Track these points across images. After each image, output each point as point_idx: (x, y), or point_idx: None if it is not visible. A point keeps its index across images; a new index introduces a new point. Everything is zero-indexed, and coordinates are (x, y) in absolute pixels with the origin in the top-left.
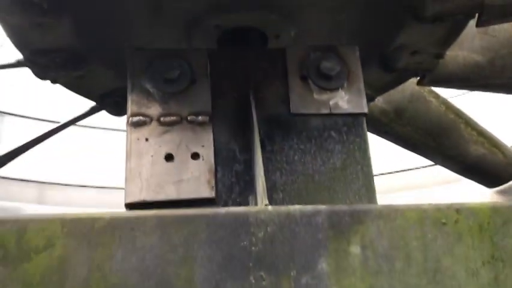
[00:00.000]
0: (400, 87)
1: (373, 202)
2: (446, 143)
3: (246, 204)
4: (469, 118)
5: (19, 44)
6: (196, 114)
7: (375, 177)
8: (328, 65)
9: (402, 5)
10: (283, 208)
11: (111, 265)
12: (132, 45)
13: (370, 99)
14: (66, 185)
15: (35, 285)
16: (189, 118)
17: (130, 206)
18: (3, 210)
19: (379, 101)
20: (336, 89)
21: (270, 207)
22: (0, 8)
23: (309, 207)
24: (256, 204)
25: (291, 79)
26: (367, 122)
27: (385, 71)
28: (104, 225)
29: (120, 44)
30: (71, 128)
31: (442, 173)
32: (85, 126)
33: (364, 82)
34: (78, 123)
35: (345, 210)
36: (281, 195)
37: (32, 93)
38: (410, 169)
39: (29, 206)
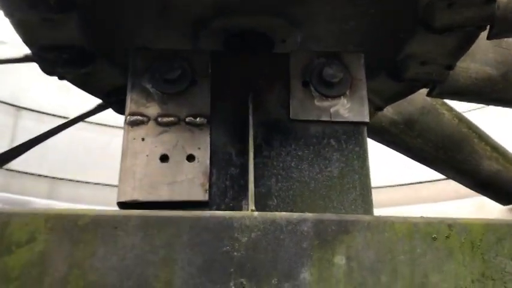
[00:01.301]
0: (412, 99)
1: (369, 213)
2: (458, 157)
3: (239, 208)
4: (483, 132)
5: (27, 40)
6: (195, 116)
7: (385, 189)
8: (331, 71)
9: (412, 15)
10: (269, 214)
11: (91, 263)
12: (136, 44)
13: (378, 108)
14: (78, 181)
15: (14, 279)
16: (187, 119)
17: (122, 205)
18: (13, 203)
19: (389, 111)
20: (338, 96)
21: (255, 213)
22: (8, 3)
23: (295, 215)
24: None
25: (293, 84)
26: (375, 132)
27: (394, 81)
28: (87, 222)
29: (127, 42)
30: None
31: (456, 187)
32: (101, 124)
33: (373, 91)
34: (96, 121)
35: (331, 219)
36: (275, 201)
37: (48, 88)
38: (421, 182)
39: (40, 200)
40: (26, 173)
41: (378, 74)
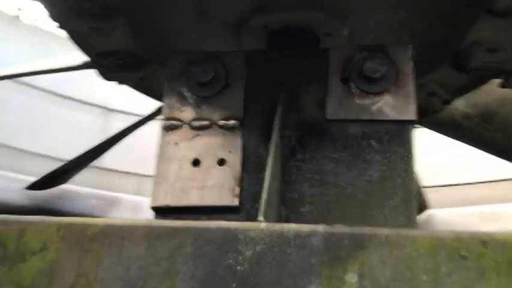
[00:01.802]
0: (488, 89)
1: (412, 221)
2: None
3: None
4: None
5: (83, 48)
6: (227, 118)
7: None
8: (372, 66)
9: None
10: (276, 226)
11: (96, 273)
12: (178, 45)
13: (445, 102)
14: None
15: (25, 287)
16: (219, 123)
17: (155, 209)
18: (104, 199)
19: (461, 104)
20: (381, 92)
21: (262, 224)
22: (59, 15)
23: (305, 227)
24: (279, 216)
25: (331, 81)
26: (447, 127)
27: (459, 72)
28: (96, 231)
29: (170, 44)
30: None
31: None
32: None
33: (437, 83)
34: None
35: (345, 232)
36: (308, 208)
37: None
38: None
39: (128, 196)
40: (115, 170)
41: (440, 64)
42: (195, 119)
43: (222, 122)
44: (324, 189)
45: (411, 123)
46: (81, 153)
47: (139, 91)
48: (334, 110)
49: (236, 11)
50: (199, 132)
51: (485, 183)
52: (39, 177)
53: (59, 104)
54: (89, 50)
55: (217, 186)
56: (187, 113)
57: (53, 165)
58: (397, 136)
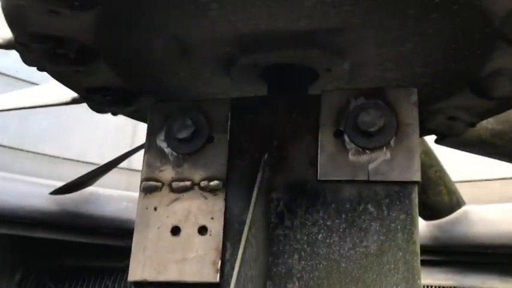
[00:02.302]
0: None
1: None
2: None
3: None
4: None
5: (70, 86)
6: (210, 179)
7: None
8: (368, 118)
9: (486, 29)
10: None
11: None
12: (168, 84)
13: (470, 124)
14: None
15: None
16: (201, 184)
17: (134, 284)
18: (135, 201)
19: (489, 122)
20: (379, 148)
21: None
22: (31, 61)
23: None
24: None
25: (323, 134)
26: (473, 146)
27: (482, 98)
28: None
29: (163, 80)
30: None
31: None
32: None
33: (459, 107)
34: None
35: None
36: (297, 284)
37: None
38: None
39: None
40: None
41: (457, 91)
42: (175, 180)
43: (203, 183)
44: (314, 262)
45: (414, 185)
46: (105, 164)
47: (137, 120)
48: (326, 169)
49: (220, 51)
50: (179, 195)
51: None
52: (65, 183)
53: (82, 106)
54: (76, 87)
55: (197, 259)
56: (167, 173)
57: (81, 169)
58: (398, 200)
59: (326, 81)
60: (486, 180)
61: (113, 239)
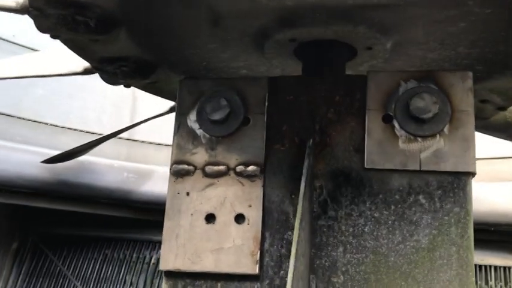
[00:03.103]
0: None
1: None
2: None
3: None
4: None
5: (83, 55)
6: (246, 164)
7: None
8: (421, 104)
9: None
10: None
11: None
12: (193, 55)
13: (500, 108)
14: None
15: None
16: (237, 169)
17: (165, 273)
18: (136, 172)
19: None
20: (432, 135)
21: None
22: (48, 28)
23: None
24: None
25: (370, 119)
26: (497, 130)
27: None
28: None
29: (186, 52)
30: None
31: None
32: None
33: (494, 90)
34: None
35: None
36: (342, 278)
37: None
38: None
39: (161, 168)
40: (147, 142)
41: (502, 71)
42: (208, 164)
43: (240, 168)
44: (361, 256)
45: (470, 176)
46: (102, 136)
47: (148, 92)
48: (373, 156)
49: (256, 24)
50: (214, 181)
51: None
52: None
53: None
54: (90, 56)
55: (234, 249)
56: (199, 156)
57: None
58: (452, 192)
59: (364, 59)
60: (497, 158)
61: (113, 209)
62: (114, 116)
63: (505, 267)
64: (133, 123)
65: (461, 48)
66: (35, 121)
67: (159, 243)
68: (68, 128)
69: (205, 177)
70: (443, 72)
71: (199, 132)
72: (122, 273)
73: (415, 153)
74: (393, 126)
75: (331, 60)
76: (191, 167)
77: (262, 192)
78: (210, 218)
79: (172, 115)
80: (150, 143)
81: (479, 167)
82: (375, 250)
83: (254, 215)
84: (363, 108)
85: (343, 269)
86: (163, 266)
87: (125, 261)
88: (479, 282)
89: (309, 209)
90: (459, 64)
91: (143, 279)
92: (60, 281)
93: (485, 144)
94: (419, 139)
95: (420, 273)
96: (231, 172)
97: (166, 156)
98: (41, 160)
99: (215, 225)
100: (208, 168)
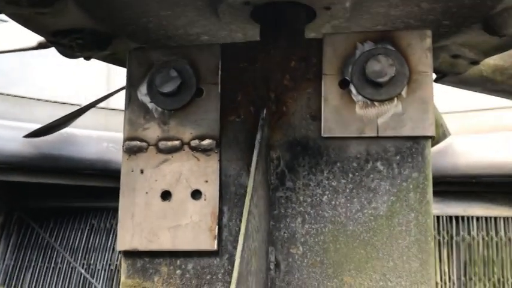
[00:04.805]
0: None
1: (428, 266)
2: None
3: (257, 259)
4: None
5: (34, 29)
6: (201, 137)
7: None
8: (377, 67)
9: None
10: None
11: None
12: (148, 23)
13: (473, 62)
14: None
15: None
16: (191, 143)
17: (124, 253)
18: (115, 141)
19: (492, 57)
20: (389, 99)
21: None
22: None
23: None
24: (267, 262)
25: (327, 85)
26: (473, 84)
27: (491, 35)
28: None
29: (140, 21)
30: None
31: None
32: None
33: (466, 44)
34: None
35: None
36: (301, 249)
37: None
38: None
39: None
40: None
41: (466, 27)
42: (161, 139)
43: (194, 142)
44: (319, 226)
45: (428, 139)
46: (80, 108)
47: (113, 64)
48: (330, 124)
49: None
50: (168, 156)
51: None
52: (39, 126)
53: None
54: (42, 30)
55: (192, 225)
56: (152, 131)
57: (57, 112)
58: (410, 157)
59: (324, 20)
60: (477, 110)
61: (96, 179)
62: (89, 85)
63: (486, 217)
64: (110, 92)
65: (425, 3)
66: (8, 95)
67: None
68: (45, 100)
69: (159, 153)
70: (401, 32)
71: (151, 105)
72: (109, 242)
73: (373, 119)
74: (350, 92)
75: (289, 23)
76: (144, 143)
77: (218, 166)
78: (166, 195)
79: None
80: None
81: (456, 120)
82: (333, 219)
83: (211, 190)
84: (319, 74)
85: (302, 239)
86: (121, 246)
87: (112, 230)
88: (462, 233)
89: (264, 182)
90: (424, 20)
91: None
92: (49, 252)
93: (460, 96)
94: (376, 104)
95: (379, 241)
96: (186, 147)
97: None
98: (21, 135)
99: (171, 202)
100: (162, 144)
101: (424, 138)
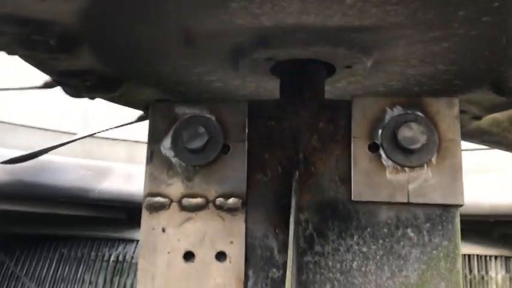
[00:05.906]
0: None
1: None
2: None
3: None
4: None
5: (43, 70)
6: (227, 196)
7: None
8: (409, 133)
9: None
10: None
11: None
12: (163, 71)
13: (475, 117)
14: None
15: None
16: (216, 202)
17: None
18: (93, 169)
19: None
20: (420, 166)
21: None
22: (3, 45)
23: None
24: None
25: (356, 148)
26: (472, 136)
27: (499, 95)
28: None
29: (155, 68)
30: None
31: None
32: None
33: (469, 102)
34: None
35: None
36: None
37: None
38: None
39: (119, 165)
40: (103, 138)
41: (479, 86)
42: (185, 196)
43: (219, 201)
44: None
45: (458, 209)
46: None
47: (115, 103)
48: (360, 188)
49: (231, 43)
50: (192, 215)
51: None
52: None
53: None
54: (50, 71)
55: None
56: (175, 188)
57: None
58: (441, 225)
59: (342, 77)
60: None
61: (72, 208)
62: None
63: (469, 255)
64: (88, 119)
65: (441, 65)
66: None
67: (118, 240)
68: (21, 125)
69: (182, 210)
70: (430, 99)
71: (175, 160)
72: (79, 272)
73: (403, 185)
74: (380, 156)
75: (310, 79)
76: (166, 200)
77: (244, 227)
78: (189, 256)
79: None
80: (106, 138)
81: None
82: (364, 287)
83: (236, 252)
84: (347, 136)
85: None
86: None
87: (83, 260)
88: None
89: (296, 246)
90: (437, 79)
91: (103, 277)
92: (13, 283)
93: None
94: (406, 169)
95: None
96: (210, 205)
97: (121, 151)
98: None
99: (194, 263)
100: (186, 201)
101: (454, 206)
